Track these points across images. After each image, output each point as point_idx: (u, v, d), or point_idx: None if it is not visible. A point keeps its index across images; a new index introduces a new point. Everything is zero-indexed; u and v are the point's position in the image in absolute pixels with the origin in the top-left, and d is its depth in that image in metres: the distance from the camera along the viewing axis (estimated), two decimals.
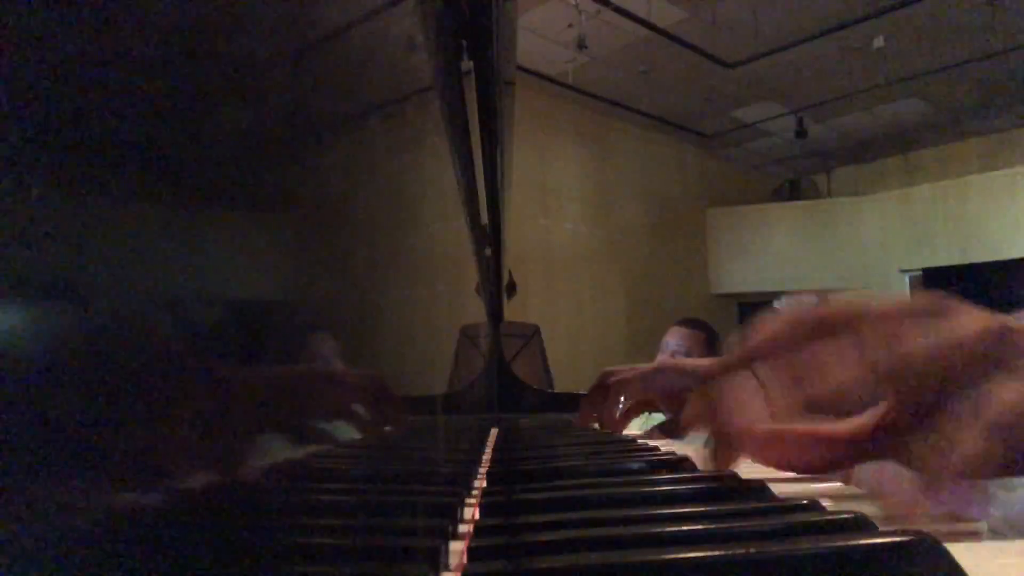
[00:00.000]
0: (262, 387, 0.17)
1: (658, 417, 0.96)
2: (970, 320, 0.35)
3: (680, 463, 0.50)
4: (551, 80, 5.40)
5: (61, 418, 0.09)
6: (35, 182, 0.09)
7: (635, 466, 0.47)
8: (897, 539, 0.24)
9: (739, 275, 6.97)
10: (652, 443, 0.69)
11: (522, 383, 1.54)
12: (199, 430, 0.13)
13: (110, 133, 0.11)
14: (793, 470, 0.36)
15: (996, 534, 0.31)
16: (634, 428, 0.93)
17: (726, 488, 0.37)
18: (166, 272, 0.12)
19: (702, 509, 0.32)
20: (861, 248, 6.79)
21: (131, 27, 0.11)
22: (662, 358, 2.25)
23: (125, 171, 0.11)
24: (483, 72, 0.61)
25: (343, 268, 0.26)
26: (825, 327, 0.38)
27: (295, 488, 0.19)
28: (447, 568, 0.26)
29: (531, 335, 1.91)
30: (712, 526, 0.29)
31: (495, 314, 1.43)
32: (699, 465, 0.43)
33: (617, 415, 0.88)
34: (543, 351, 2.01)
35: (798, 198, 7.46)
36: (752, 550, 0.24)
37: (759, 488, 0.36)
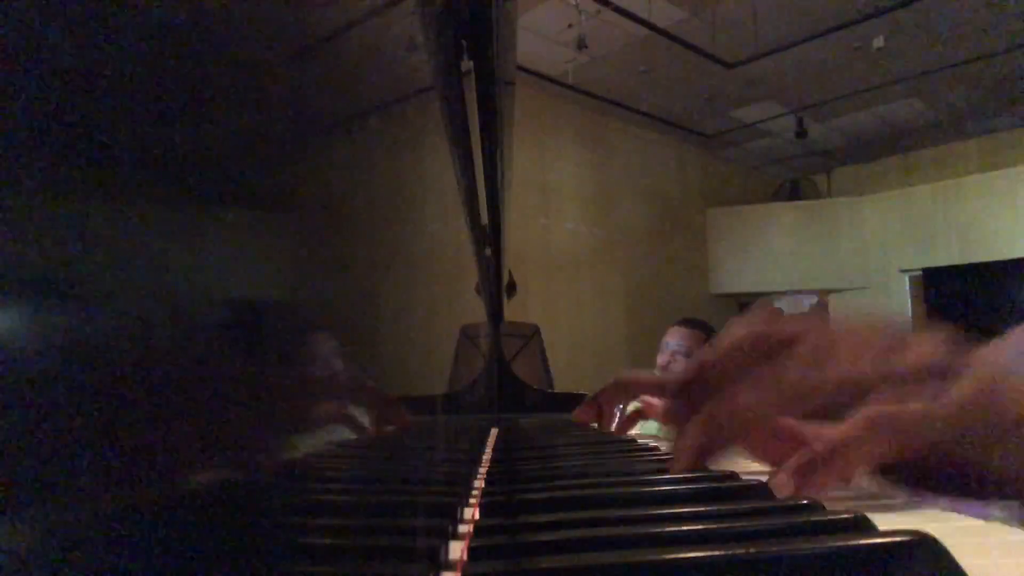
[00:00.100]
0: (261, 387, 0.17)
1: (652, 426, 0.96)
2: (918, 348, 0.39)
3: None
4: (551, 80, 5.40)
5: (60, 418, 0.09)
6: (35, 182, 0.09)
7: (635, 466, 0.47)
8: (897, 539, 0.24)
9: (739, 275, 6.97)
10: (652, 443, 0.69)
11: (522, 383, 1.54)
12: (198, 430, 0.13)
13: (107, 133, 0.11)
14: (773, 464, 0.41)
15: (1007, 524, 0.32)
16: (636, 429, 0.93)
17: (726, 488, 0.37)
18: (165, 272, 0.12)
19: (702, 509, 0.32)
20: (861, 248, 6.79)
21: (131, 27, 0.11)
22: (660, 359, 2.25)
23: (124, 171, 0.11)
24: (483, 72, 0.61)
25: (343, 268, 0.26)
26: (771, 346, 0.40)
27: (295, 488, 0.19)
28: (447, 568, 0.26)
29: (531, 335, 1.91)
30: (712, 526, 0.29)
31: (495, 314, 1.43)
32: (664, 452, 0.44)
33: (614, 425, 0.88)
34: (543, 351, 2.01)
35: (798, 198, 7.46)
36: (752, 550, 0.24)
37: (759, 488, 0.36)
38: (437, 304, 0.54)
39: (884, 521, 0.28)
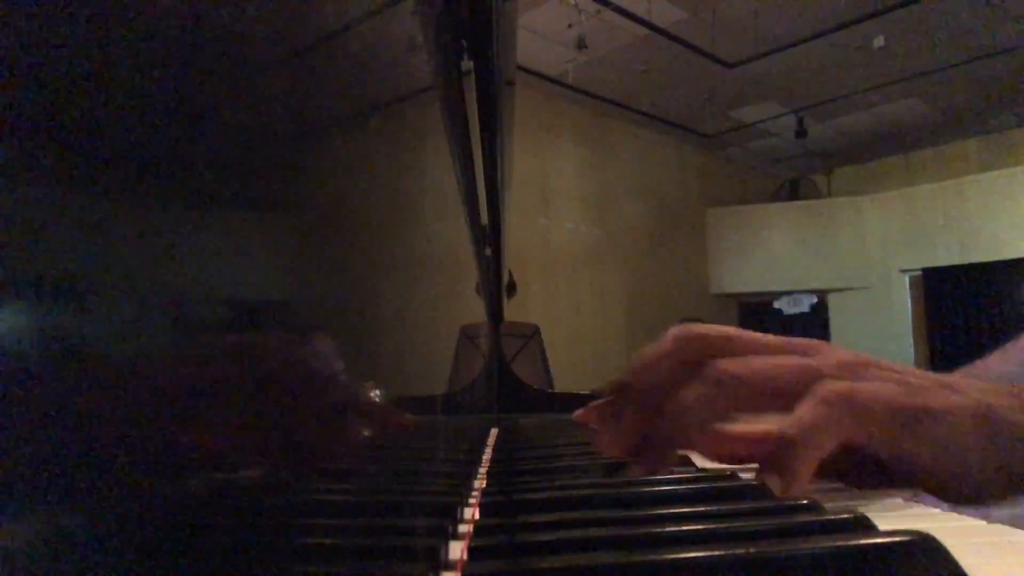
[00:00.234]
0: (262, 387, 0.17)
1: None
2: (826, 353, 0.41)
3: (679, 463, 0.50)
4: (551, 80, 5.40)
5: (60, 418, 0.09)
6: (35, 182, 0.09)
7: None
8: (897, 539, 0.24)
9: (739, 275, 6.97)
10: None
11: (522, 383, 1.54)
12: (198, 430, 0.13)
13: (108, 133, 0.11)
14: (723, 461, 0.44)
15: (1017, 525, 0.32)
16: None
17: (726, 488, 0.37)
18: (165, 272, 0.12)
19: (702, 509, 0.32)
20: (861, 248, 6.79)
21: (130, 26, 0.11)
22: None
23: (124, 171, 0.11)
24: (483, 72, 0.61)
25: (343, 268, 0.26)
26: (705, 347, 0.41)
27: (295, 488, 0.19)
28: (447, 568, 0.26)
29: (531, 335, 1.91)
30: (712, 526, 0.29)
31: (495, 314, 1.43)
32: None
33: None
34: (543, 351, 2.01)
35: (798, 198, 7.46)
36: (752, 550, 0.24)
37: (759, 488, 0.36)
38: (437, 304, 0.54)
39: (884, 521, 0.28)
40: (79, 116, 0.10)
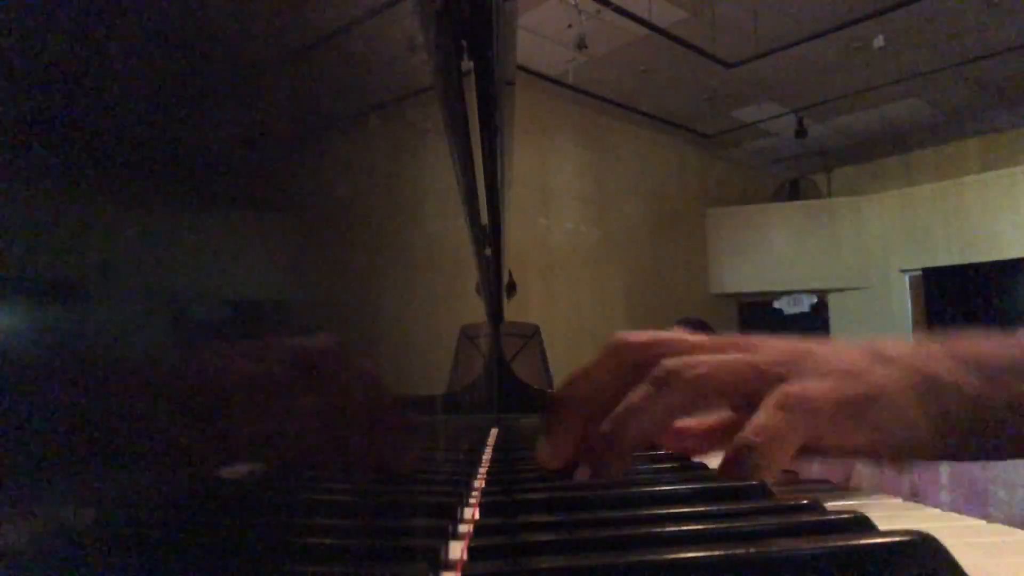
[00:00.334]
0: (261, 386, 0.17)
1: None
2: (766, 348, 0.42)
3: (679, 463, 0.50)
4: (551, 80, 5.40)
5: (60, 418, 0.09)
6: (35, 182, 0.09)
7: (635, 465, 0.47)
8: (897, 539, 0.24)
9: (739, 275, 6.97)
10: None
11: (522, 383, 1.54)
12: (197, 430, 0.13)
13: (109, 133, 0.11)
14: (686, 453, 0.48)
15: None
16: None
17: (726, 488, 0.37)
18: (165, 272, 0.12)
19: (702, 509, 0.32)
20: (861, 248, 6.79)
21: (131, 27, 0.11)
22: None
23: (124, 171, 0.11)
24: (483, 72, 0.61)
25: (343, 268, 0.26)
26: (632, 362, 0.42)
27: (294, 488, 0.19)
28: (447, 568, 0.26)
29: (531, 335, 1.91)
30: (712, 526, 0.29)
31: (495, 314, 1.43)
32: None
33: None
34: (543, 351, 2.01)
35: (798, 198, 7.46)
36: (752, 550, 0.24)
37: (759, 488, 0.36)
38: (437, 304, 0.54)
39: (884, 521, 0.28)
40: (81, 116, 0.10)
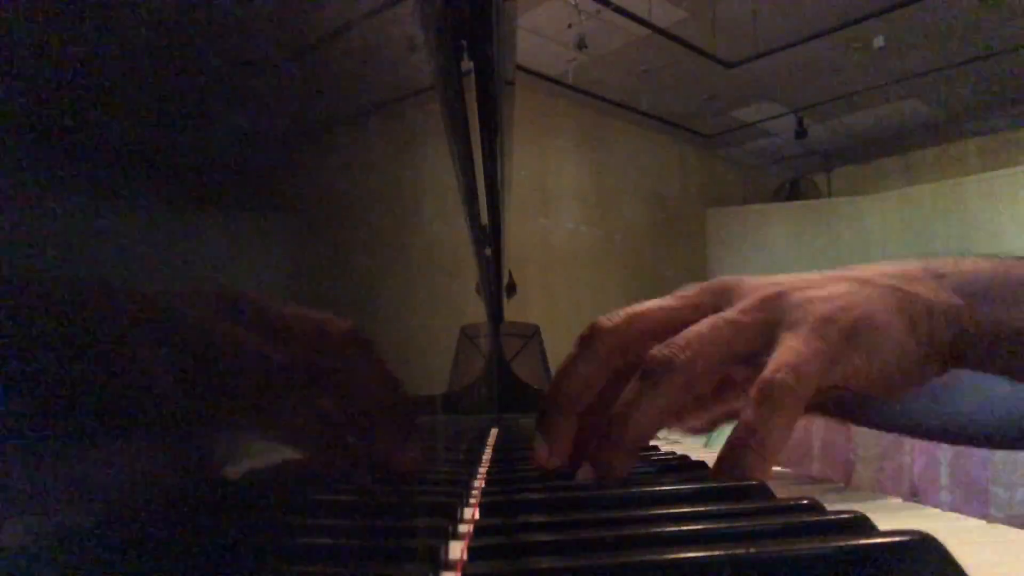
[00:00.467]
0: (260, 386, 0.17)
1: None
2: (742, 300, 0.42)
3: (679, 463, 0.50)
4: (551, 80, 5.40)
5: (60, 417, 0.09)
6: (35, 182, 0.09)
7: (634, 465, 0.47)
8: (897, 539, 0.24)
9: (739, 275, 6.95)
10: (651, 442, 0.69)
11: (522, 383, 1.54)
12: (197, 429, 0.13)
13: (109, 133, 0.11)
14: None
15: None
16: None
17: (726, 488, 0.37)
18: (165, 272, 0.12)
19: (702, 509, 0.32)
20: (861, 248, 6.79)
21: (130, 26, 0.11)
22: None
23: (123, 171, 0.11)
24: (483, 72, 0.61)
25: (343, 269, 0.26)
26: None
27: (294, 487, 0.19)
28: (447, 568, 0.26)
29: (531, 335, 1.91)
30: (712, 526, 0.29)
31: (495, 314, 1.43)
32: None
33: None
34: (543, 351, 2.01)
35: (798, 198, 7.46)
36: (752, 550, 0.24)
37: (759, 488, 0.36)
38: (437, 304, 0.54)
39: (884, 521, 0.28)
40: (82, 116, 0.10)
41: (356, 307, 0.27)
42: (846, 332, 0.37)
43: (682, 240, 6.81)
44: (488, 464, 0.58)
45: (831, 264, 0.46)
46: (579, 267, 5.85)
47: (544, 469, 0.42)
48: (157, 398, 0.12)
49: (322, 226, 0.23)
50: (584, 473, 0.41)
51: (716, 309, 0.41)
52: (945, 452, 1.96)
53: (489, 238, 1.05)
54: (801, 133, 6.27)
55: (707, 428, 0.50)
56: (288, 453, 0.19)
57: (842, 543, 0.25)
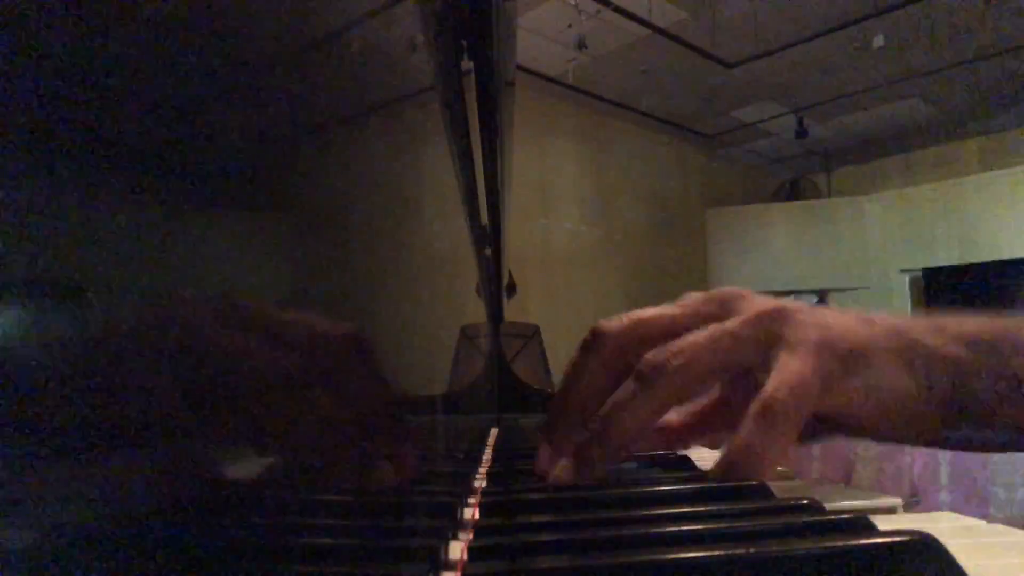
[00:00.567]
0: (260, 386, 0.17)
1: None
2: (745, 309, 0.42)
3: (679, 463, 0.50)
4: (551, 80, 5.40)
5: (61, 417, 0.09)
6: (35, 182, 0.09)
7: (634, 466, 0.47)
8: (897, 539, 0.24)
9: (739, 275, 6.96)
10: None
11: (522, 383, 1.54)
12: (199, 430, 0.13)
13: (110, 133, 0.11)
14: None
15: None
16: None
17: (726, 488, 0.37)
18: (166, 272, 0.12)
19: (702, 509, 0.32)
20: (861, 248, 6.79)
21: (131, 27, 0.11)
22: None
23: (126, 171, 0.11)
24: (483, 72, 0.61)
25: (344, 268, 0.26)
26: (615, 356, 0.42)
27: (294, 487, 0.19)
28: (447, 568, 0.26)
29: (531, 335, 1.91)
30: (712, 526, 0.29)
31: (495, 314, 1.43)
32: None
33: None
34: (543, 351, 2.01)
35: (798, 198, 7.45)
36: (752, 550, 0.24)
37: (759, 488, 0.36)
38: (437, 304, 0.54)
39: (884, 521, 0.28)
40: (84, 116, 0.10)
41: (357, 307, 0.27)
42: (843, 359, 0.37)
43: (682, 240, 6.80)
44: (488, 464, 0.58)
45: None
46: (579, 267, 5.85)
47: (549, 477, 0.42)
48: (156, 403, 0.12)
49: (323, 226, 0.23)
50: (563, 470, 0.41)
51: (718, 319, 0.41)
52: (945, 452, 1.96)
53: (489, 238, 1.05)
54: (801, 133, 6.27)
55: (712, 445, 0.50)
56: (287, 456, 0.19)
57: (842, 543, 0.25)
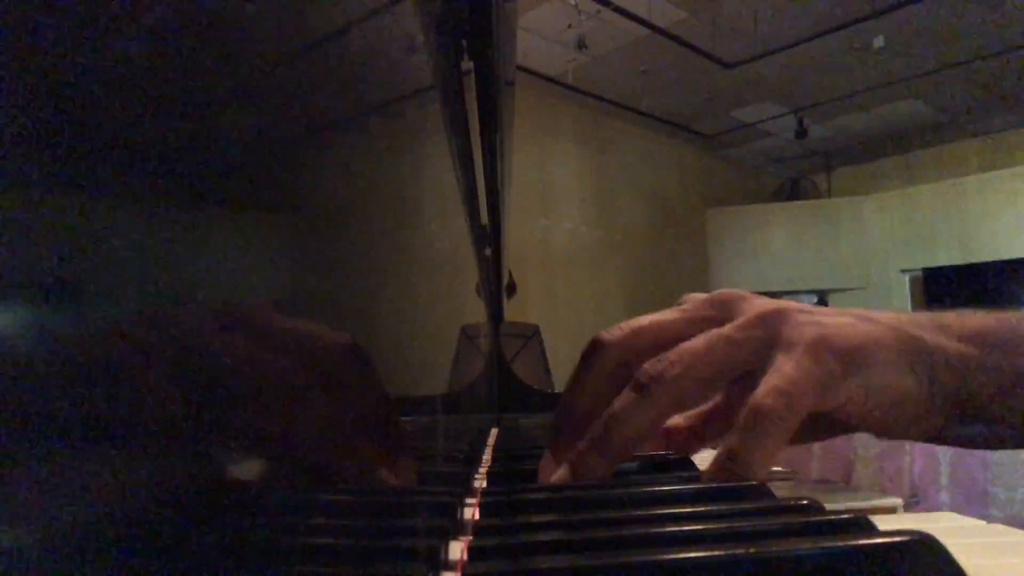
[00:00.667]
0: (259, 386, 0.17)
1: None
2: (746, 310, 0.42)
3: (679, 463, 0.50)
4: (551, 80, 5.40)
5: (60, 418, 0.09)
6: (35, 182, 0.09)
7: (634, 466, 0.47)
8: (897, 539, 0.24)
9: (739, 275, 6.96)
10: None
11: (522, 383, 1.54)
12: (196, 430, 0.13)
13: (108, 134, 0.11)
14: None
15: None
16: None
17: (726, 488, 0.37)
18: (165, 272, 0.12)
19: (702, 509, 0.32)
20: (861, 248, 6.79)
21: (130, 27, 0.11)
22: None
23: (123, 171, 0.11)
24: (483, 72, 0.61)
25: (343, 269, 0.26)
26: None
27: (294, 487, 0.19)
28: (447, 568, 0.26)
29: (531, 335, 1.91)
30: (712, 526, 0.29)
31: (495, 314, 1.43)
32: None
33: None
34: (543, 351, 2.01)
35: (798, 198, 7.46)
36: (752, 550, 0.24)
37: (759, 488, 0.36)
38: (437, 304, 0.54)
39: (884, 521, 0.28)
40: (82, 116, 0.10)
41: (357, 307, 0.27)
42: (841, 356, 0.37)
43: (682, 240, 6.81)
44: (488, 464, 0.58)
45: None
46: (579, 267, 5.85)
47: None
48: (156, 403, 0.12)
49: (322, 227, 0.23)
50: (560, 476, 0.41)
51: (718, 322, 0.41)
52: (945, 452, 1.96)
53: (489, 238, 1.05)
54: (801, 133, 6.27)
55: (692, 451, 0.50)
56: (287, 459, 0.19)
57: (842, 543, 0.25)
